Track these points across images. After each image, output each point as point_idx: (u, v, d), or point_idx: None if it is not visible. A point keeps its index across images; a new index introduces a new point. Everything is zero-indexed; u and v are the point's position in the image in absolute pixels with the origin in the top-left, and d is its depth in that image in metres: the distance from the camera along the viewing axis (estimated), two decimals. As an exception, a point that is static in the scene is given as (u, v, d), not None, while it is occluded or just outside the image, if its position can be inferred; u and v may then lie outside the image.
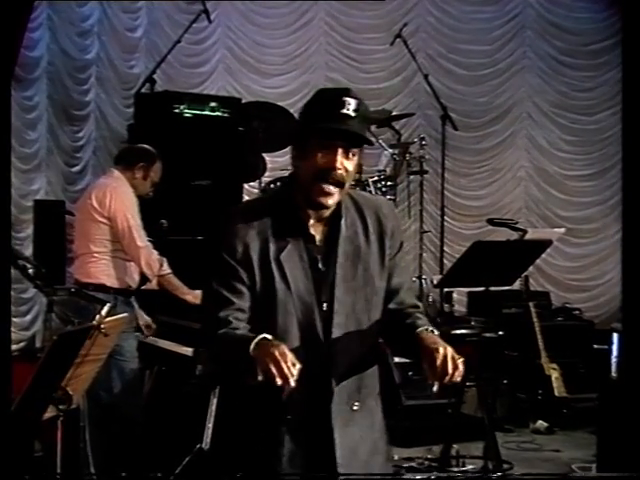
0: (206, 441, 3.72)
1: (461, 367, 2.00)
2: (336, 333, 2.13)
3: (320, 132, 2.09)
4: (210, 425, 3.80)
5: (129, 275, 4.23)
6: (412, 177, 6.85)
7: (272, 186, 5.69)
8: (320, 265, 2.15)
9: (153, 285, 4.29)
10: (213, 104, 5.71)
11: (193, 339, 3.97)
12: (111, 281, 4.15)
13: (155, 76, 5.98)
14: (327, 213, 2.17)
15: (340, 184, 2.11)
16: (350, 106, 2.07)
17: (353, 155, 2.12)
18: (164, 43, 7.07)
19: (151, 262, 4.17)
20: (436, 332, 2.12)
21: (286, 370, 1.89)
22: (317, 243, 2.17)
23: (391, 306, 2.23)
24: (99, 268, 4.15)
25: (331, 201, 2.12)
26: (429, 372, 2.01)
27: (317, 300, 2.13)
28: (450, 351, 2.01)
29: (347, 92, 2.11)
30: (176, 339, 4.18)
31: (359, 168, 2.23)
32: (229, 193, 5.66)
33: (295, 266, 2.12)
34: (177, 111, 5.56)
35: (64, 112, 6.88)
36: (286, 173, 5.89)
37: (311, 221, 2.16)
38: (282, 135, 5.91)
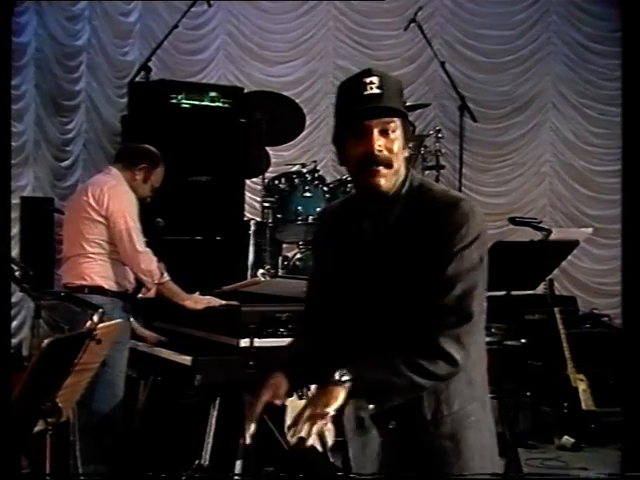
0: (205, 457, 3.72)
1: (314, 431, 1.93)
2: (392, 333, 2.13)
3: (348, 121, 2.11)
4: (210, 440, 3.81)
5: (127, 278, 4.21)
6: (427, 172, 6.85)
7: (276, 182, 5.70)
8: (378, 256, 2.17)
9: (150, 293, 4.27)
10: (213, 94, 5.72)
11: (191, 346, 3.98)
12: (109, 283, 4.13)
13: (150, 64, 5.99)
14: (388, 194, 2.14)
15: (387, 165, 2.11)
16: (373, 84, 2.09)
17: (393, 131, 2.11)
18: (160, 28, 7.08)
19: (152, 269, 4.11)
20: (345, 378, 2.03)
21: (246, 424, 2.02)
22: (378, 233, 2.18)
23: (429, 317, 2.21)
24: (95, 269, 4.12)
25: (383, 181, 2.11)
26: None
27: (373, 292, 2.16)
28: (309, 411, 1.96)
29: (367, 72, 2.13)
30: (173, 347, 4.19)
31: (406, 145, 2.20)
32: (230, 190, 5.68)
33: (355, 257, 2.20)
34: (174, 101, 5.57)
35: (53, 102, 6.91)
36: (291, 168, 5.92)
37: (375, 213, 2.19)
38: (287, 127, 5.93)
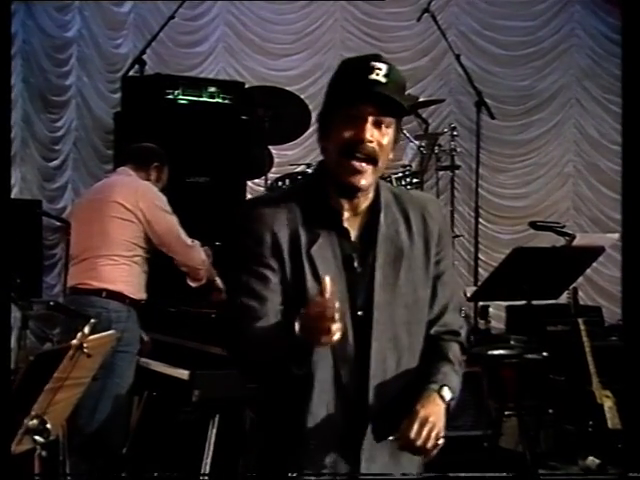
0: (204, 478, 3.73)
1: (433, 442, 2.05)
2: (375, 347, 2.12)
3: (345, 101, 2.08)
4: (208, 460, 3.82)
5: (143, 286, 4.29)
6: (442, 173, 6.85)
7: (280, 184, 5.70)
8: (356, 265, 2.14)
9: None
10: (212, 89, 5.72)
11: (188, 360, 3.99)
12: (129, 290, 4.20)
13: (145, 57, 5.98)
14: (363, 205, 2.15)
15: (372, 160, 2.08)
16: (380, 71, 2.06)
17: (387, 127, 2.09)
18: (155, 19, 7.11)
19: (204, 258, 4.35)
20: (446, 395, 2.13)
21: (328, 324, 1.89)
22: (352, 239, 2.15)
23: (432, 331, 2.23)
24: (116, 272, 4.19)
25: (363, 181, 2.09)
26: (400, 430, 2.06)
27: (351, 305, 2.12)
28: (432, 421, 2.05)
29: (376, 57, 2.11)
30: (169, 360, 4.20)
31: (395, 144, 2.20)
32: (230, 192, 5.67)
33: (327, 263, 2.11)
34: (170, 97, 5.57)
35: (41, 98, 6.94)
36: (296, 168, 5.93)
37: (345, 214, 2.15)
38: (291, 125, 5.93)
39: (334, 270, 2.10)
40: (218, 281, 4.42)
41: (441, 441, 2.07)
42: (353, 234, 2.16)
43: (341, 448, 2.12)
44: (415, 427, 2.04)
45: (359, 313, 2.12)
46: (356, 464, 2.13)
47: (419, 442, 2.03)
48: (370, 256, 2.14)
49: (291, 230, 2.12)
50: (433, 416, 2.06)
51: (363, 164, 2.08)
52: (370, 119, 2.07)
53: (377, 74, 2.06)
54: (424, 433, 2.04)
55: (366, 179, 2.09)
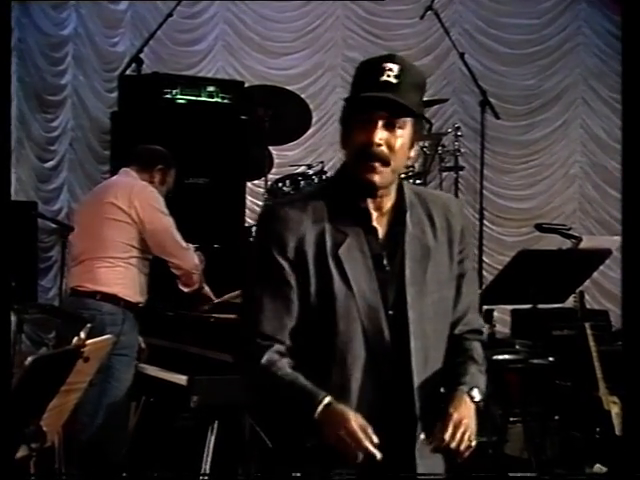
0: (202, 485, 3.73)
1: (467, 444, 2.10)
2: (415, 345, 2.15)
3: (357, 105, 2.14)
4: (207, 466, 3.82)
5: (141, 288, 4.30)
6: (445, 174, 6.86)
7: (280, 185, 5.71)
8: (385, 263, 2.18)
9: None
10: (211, 88, 5.73)
11: (187, 365, 3.99)
12: (124, 292, 4.21)
13: (142, 55, 5.98)
14: (388, 205, 2.20)
15: (384, 161, 2.13)
16: (391, 72, 2.11)
17: (400, 127, 2.14)
18: (153, 16, 7.12)
19: (197, 263, 4.36)
20: (476, 396, 2.18)
21: (370, 447, 1.99)
22: (380, 238, 2.20)
23: (456, 330, 2.27)
24: (112, 275, 4.21)
25: (377, 177, 2.14)
26: (434, 433, 2.11)
27: (383, 304, 2.16)
28: (465, 423, 2.11)
29: (389, 58, 2.15)
30: (167, 365, 4.20)
31: (412, 146, 2.21)
32: (230, 193, 5.68)
33: (356, 263, 2.15)
34: (168, 97, 5.58)
35: (36, 97, 6.95)
36: (297, 169, 5.93)
37: (374, 213, 2.20)
38: (292, 125, 5.94)
39: (364, 269, 2.16)
40: (207, 289, 4.44)
41: (474, 443, 2.12)
42: (381, 233, 2.20)
43: (394, 449, 2.12)
44: (450, 430, 2.08)
45: (390, 312, 2.16)
46: (412, 461, 2.16)
47: (454, 444, 2.08)
48: (398, 255, 2.19)
49: (317, 232, 2.16)
50: (466, 418, 2.12)
51: (376, 164, 2.13)
52: (380, 122, 2.12)
53: (388, 75, 2.11)
54: (458, 435, 2.08)
55: (380, 176, 2.14)
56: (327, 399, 2.05)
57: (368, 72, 2.14)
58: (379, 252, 2.18)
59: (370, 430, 2.01)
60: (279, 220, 2.17)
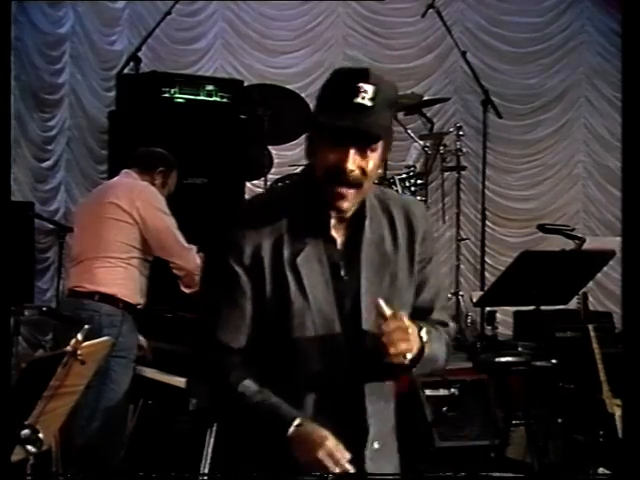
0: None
1: (402, 348, 2.07)
2: (366, 355, 2.15)
3: (329, 124, 2.09)
4: (205, 470, 3.82)
5: (141, 290, 4.30)
6: (447, 174, 6.87)
7: (280, 185, 5.71)
8: (342, 273, 2.18)
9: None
10: (210, 87, 5.74)
11: (185, 367, 3.99)
12: (123, 293, 4.22)
13: (140, 54, 6.00)
14: (349, 213, 2.20)
15: (356, 185, 2.12)
16: (366, 94, 2.06)
17: (372, 151, 2.12)
18: (151, 15, 7.11)
19: (199, 263, 4.34)
20: (424, 336, 2.16)
21: (347, 466, 2.02)
22: (338, 247, 2.20)
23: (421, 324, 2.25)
24: (111, 275, 4.23)
25: (346, 204, 2.14)
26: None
27: (339, 314, 2.16)
28: (411, 332, 2.09)
29: (364, 75, 2.09)
30: (165, 367, 4.20)
31: (382, 163, 2.23)
32: (229, 193, 5.68)
33: (313, 273, 2.15)
34: (167, 95, 5.59)
35: (33, 96, 6.93)
36: (296, 169, 5.92)
37: (332, 221, 2.19)
38: (291, 124, 5.94)
39: (321, 279, 2.15)
40: None
41: (408, 357, 2.09)
42: (339, 241, 2.20)
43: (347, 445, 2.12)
44: (390, 326, 2.06)
45: (344, 323, 2.16)
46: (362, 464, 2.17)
47: (394, 336, 2.05)
48: (356, 263, 2.19)
49: (275, 240, 2.15)
50: (410, 329, 2.09)
51: (345, 189, 2.12)
52: (353, 150, 2.09)
53: (363, 97, 2.06)
54: (395, 335, 2.06)
55: (349, 202, 2.14)
56: (297, 420, 2.07)
57: (341, 91, 2.09)
58: (337, 261, 2.18)
59: (342, 447, 2.04)
60: (237, 226, 2.17)
